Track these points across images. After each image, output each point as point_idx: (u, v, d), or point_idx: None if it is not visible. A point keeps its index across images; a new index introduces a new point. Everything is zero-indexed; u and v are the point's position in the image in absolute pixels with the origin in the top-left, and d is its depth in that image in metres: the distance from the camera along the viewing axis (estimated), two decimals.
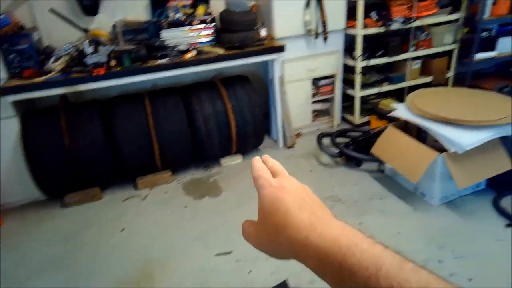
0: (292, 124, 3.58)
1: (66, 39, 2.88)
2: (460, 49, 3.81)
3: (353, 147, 3.13)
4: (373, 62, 3.52)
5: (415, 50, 3.66)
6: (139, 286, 2.12)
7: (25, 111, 2.79)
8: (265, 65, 3.33)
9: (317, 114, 3.88)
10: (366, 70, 3.63)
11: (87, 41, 2.59)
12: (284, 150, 3.54)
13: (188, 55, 2.81)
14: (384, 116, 3.34)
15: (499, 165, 2.45)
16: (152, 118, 2.86)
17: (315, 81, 3.64)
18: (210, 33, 3.05)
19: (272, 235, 0.42)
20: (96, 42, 2.70)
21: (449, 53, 3.85)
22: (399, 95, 3.84)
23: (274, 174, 0.48)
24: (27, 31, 2.62)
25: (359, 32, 3.35)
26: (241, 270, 2.16)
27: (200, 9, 3.02)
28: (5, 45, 2.45)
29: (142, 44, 2.75)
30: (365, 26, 3.35)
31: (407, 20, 3.37)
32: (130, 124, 2.82)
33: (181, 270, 2.20)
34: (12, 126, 2.68)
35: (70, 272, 2.25)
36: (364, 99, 3.79)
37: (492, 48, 3.88)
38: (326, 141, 3.36)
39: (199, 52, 2.88)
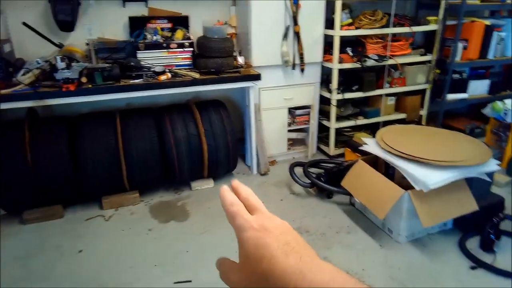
0: (266, 151, 3.57)
1: (39, 53, 2.84)
2: (433, 89, 3.94)
3: (325, 179, 3.12)
4: (348, 95, 3.59)
5: (390, 87, 3.76)
6: None
7: None
8: (242, 92, 3.35)
9: (293, 142, 3.89)
10: (342, 103, 3.69)
11: (60, 56, 2.56)
12: (257, 176, 3.51)
13: (163, 77, 2.80)
14: (358, 149, 3.37)
15: (465, 206, 2.47)
16: (121, 138, 2.80)
17: (292, 110, 3.67)
18: (187, 57, 3.07)
19: (257, 283, 0.39)
20: (69, 58, 2.67)
21: (422, 92, 3.97)
22: (374, 129, 3.89)
23: (250, 209, 0.44)
24: None
25: (335, 66, 3.43)
26: None
27: (179, 33, 3.05)
28: None
29: (116, 63, 2.73)
30: (341, 61, 3.43)
31: (381, 58, 3.48)
32: (97, 142, 2.75)
33: None
34: None
35: None
36: (339, 131, 3.84)
37: (464, 90, 4.03)
38: (300, 170, 3.36)
39: (175, 75, 2.87)
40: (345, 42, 3.45)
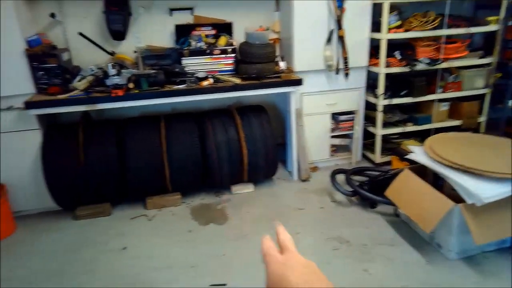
0: (308, 157, 3.51)
1: (94, 61, 3.05)
2: (493, 94, 3.62)
3: (368, 187, 2.99)
4: (396, 101, 3.42)
5: (443, 91, 3.52)
6: None
7: (49, 124, 2.94)
8: (284, 97, 3.33)
9: (336, 149, 3.78)
10: (389, 109, 3.52)
11: (111, 64, 2.72)
12: (298, 183, 3.45)
13: (205, 83, 2.87)
14: (406, 157, 3.19)
15: None
16: (165, 141, 2.91)
17: (335, 115, 3.57)
18: (230, 63, 3.12)
19: None
20: (120, 65, 2.84)
21: (481, 97, 3.67)
22: (424, 137, 3.65)
23: (282, 249, 0.50)
24: (58, 52, 2.80)
25: (382, 70, 3.28)
26: None
27: (222, 40, 3.11)
28: (34, 63, 2.62)
29: (162, 69, 2.85)
30: (389, 65, 3.28)
31: (433, 61, 3.27)
32: (143, 145, 2.88)
33: None
34: (35, 138, 2.83)
35: (65, 286, 2.27)
36: (386, 138, 3.66)
37: None
38: (342, 177, 3.25)
39: (217, 80, 2.93)
40: (393, 45, 3.29)
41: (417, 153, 2.60)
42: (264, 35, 2.96)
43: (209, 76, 2.94)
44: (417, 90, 3.39)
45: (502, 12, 3.36)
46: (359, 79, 3.47)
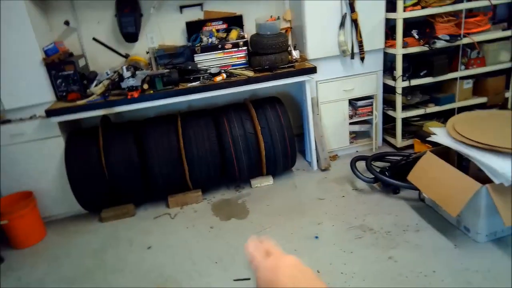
0: (326, 146, 3.46)
1: (110, 64, 3.11)
2: None
3: (390, 173, 2.92)
4: (416, 82, 3.30)
5: (466, 68, 3.37)
6: None
7: (71, 130, 3.03)
8: (299, 86, 3.28)
9: (356, 136, 3.71)
10: (408, 90, 3.40)
11: (125, 66, 2.76)
12: (317, 172, 3.42)
13: (218, 78, 2.87)
14: (428, 140, 3.09)
15: None
16: (182, 139, 2.94)
17: (353, 102, 3.50)
18: (242, 56, 3.10)
19: None
20: (134, 67, 2.87)
21: (506, 72, 3.49)
22: (448, 117, 3.52)
23: (267, 255, 0.52)
24: (74, 58, 2.87)
25: (399, 51, 3.17)
26: None
27: (233, 33, 3.09)
28: (53, 71, 2.70)
29: (175, 67, 2.87)
30: (406, 45, 3.16)
31: (454, 37, 3.12)
32: (161, 144, 2.93)
33: None
34: (58, 145, 2.92)
35: (96, 285, 2.35)
36: (407, 121, 3.56)
37: None
38: (363, 164, 3.19)
39: (229, 75, 2.92)
40: (410, 24, 3.17)
41: (440, 134, 2.51)
42: (275, 25, 2.92)
43: (222, 71, 2.93)
44: (437, 69, 3.26)
45: None
46: (375, 62, 3.37)
